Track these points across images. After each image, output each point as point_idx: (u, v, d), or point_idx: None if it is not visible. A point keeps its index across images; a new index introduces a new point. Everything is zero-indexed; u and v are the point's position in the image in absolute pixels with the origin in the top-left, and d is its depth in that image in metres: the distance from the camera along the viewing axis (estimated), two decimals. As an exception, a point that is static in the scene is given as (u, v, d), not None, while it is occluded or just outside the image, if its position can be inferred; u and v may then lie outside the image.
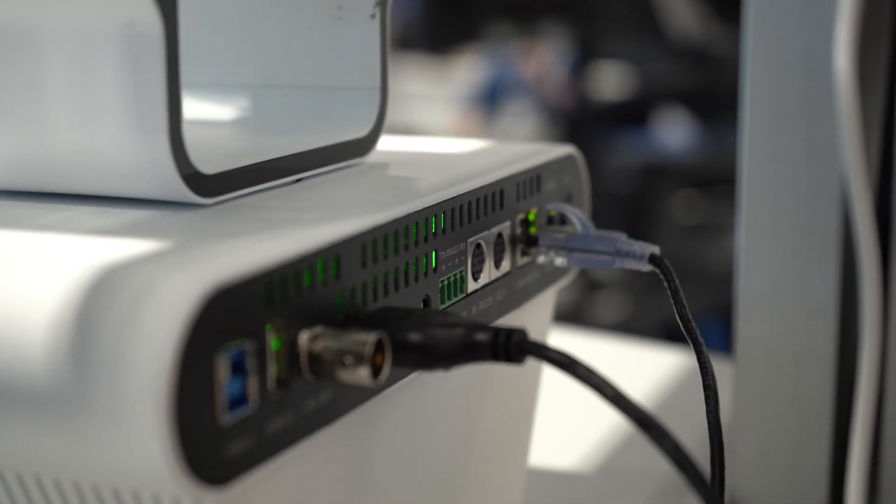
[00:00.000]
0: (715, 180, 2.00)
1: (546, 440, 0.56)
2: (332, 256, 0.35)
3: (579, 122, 2.14)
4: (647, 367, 0.72)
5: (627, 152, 2.08)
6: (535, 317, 0.51)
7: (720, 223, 2.01)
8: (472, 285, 0.44)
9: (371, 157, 0.50)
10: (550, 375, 0.53)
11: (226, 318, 0.31)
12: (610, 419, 0.67)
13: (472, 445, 0.49)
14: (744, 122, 0.34)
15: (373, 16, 0.48)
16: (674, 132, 2.35)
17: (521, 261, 0.48)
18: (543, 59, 2.33)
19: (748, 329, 0.35)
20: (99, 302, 0.31)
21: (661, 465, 0.59)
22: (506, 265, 0.47)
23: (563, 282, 0.53)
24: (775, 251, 0.34)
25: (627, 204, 1.83)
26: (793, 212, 0.34)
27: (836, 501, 0.35)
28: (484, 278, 0.45)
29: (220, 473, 0.31)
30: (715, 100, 2.26)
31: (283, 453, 0.34)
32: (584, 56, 2.17)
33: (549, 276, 0.51)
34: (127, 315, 0.30)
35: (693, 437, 0.53)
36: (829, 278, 0.33)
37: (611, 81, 2.24)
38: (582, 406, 0.66)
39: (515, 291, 0.48)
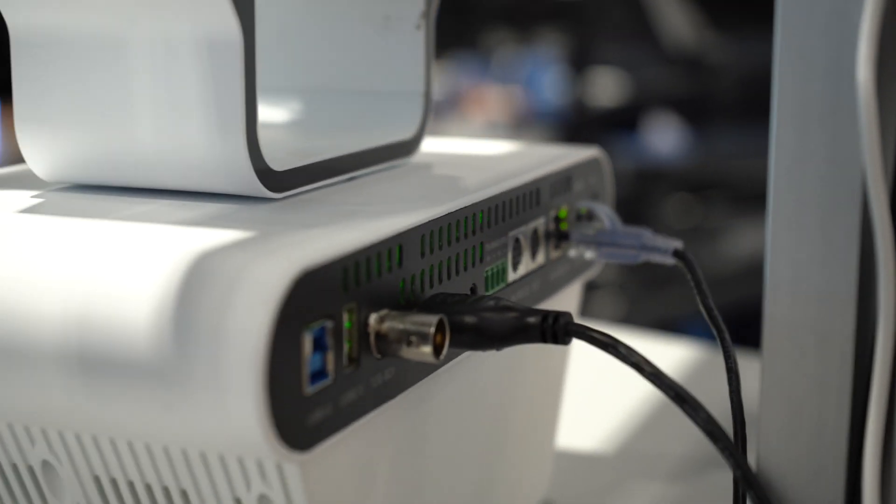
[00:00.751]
0: (707, 185, 2.02)
1: (567, 423, 0.58)
2: (396, 246, 0.37)
3: (575, 126, 2.15)
4: (654, 358, 0.75)
5: (620, 157, 2.10)
6: (565, 305, 0.53)
7: (712, 227, 2.02)
8: (511, 276, 0.46)
9: (416, 158, 0.51)
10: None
11: (310, 300, 0.33)
12: (626, 405, 0.69)
13: (510, 422, 0.51)
14: (774, 125, 0.36)
15: (418, 27, 0.50)
16: (665, 137, 2.36)
17: (554, 254, 0.50)
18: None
19: (775, 313, 0.37)
20: (198, 285, 0.33)
21: (674, 447, 0.61)
22: (540, 258, 0.48)
23: (591, 273, 0.54)
24: (800, 242, 0.36)
25: (621, 208, 1.84)
26: (816, 207, 0.35)
27: (854, 471, 0.38)
28: (522, 269, 0.46)
29: (304, 439, 0.33)
30: (707, 106, 2.27)
31: (354, 423, 0.36)
32: (580, 62, 2.18)
33: (579, 268, 0.53)
34: (224, 297, 0.32)
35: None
36: (850, 267, 0.35)
37: (606, 87, 2.25)
38: (599, 392, 0.69)
39: (549, 282, 0.49)
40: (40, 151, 0.43)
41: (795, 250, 0.36)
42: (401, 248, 0.38)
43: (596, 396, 0.69)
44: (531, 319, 0.38)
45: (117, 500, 0.38)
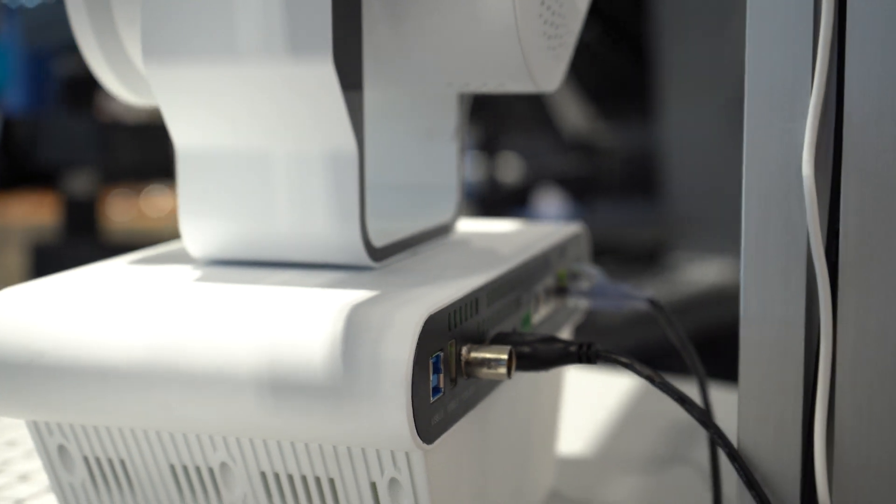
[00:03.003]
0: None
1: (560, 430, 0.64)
2: (474, 299, 0.44)
3: (487, 201, 2.20)
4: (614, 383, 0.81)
5: None
6: None
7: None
8: (534, 320, 0.52)
9: (453, 236, 0.57)
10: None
11: (431, 337, 0.40)
12: (600, 416, 0.74)
13: (534, 425, 0.56)
14: (744, 203, 0.42)
15: (452, 138, 0.57)
16: (551, 210, 2.42)
17: (558, 304, 0.56)
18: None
19: (747, 336, 0.43)
20: (356, 327, 0.39)
21: (641, 447, 0.68)
22: (550, 307, 0.55)
23: (577, 317, 0.61)
24: (765, 285, 0.42)
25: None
26: (776, 260, 0.42)
27: (807, 450, 0.43)
28: (539, 316, 0.53)
29: (429, 435, 0.40)
30: (592, 183, 2.34)
31: (455, 424, 0.43)
32: (491, 148, 2.24)
33: (571, 313, 0.59)
34: (377, 335, 0.39)
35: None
36: (799, 302, 0.42)
37: (511, 169, 2.30)
38: (579, 407, 0.73)
39: (554, 324, 0.56)
40: (198, 236, 0.48)
41: (762, 291, 0.43)
42: (477, 300, 0.45)
43: (577, 410, 0.73)
44: (572, 348, 0.46)
45: (277, 489, 0.44)
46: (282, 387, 0.40)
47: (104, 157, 1.53)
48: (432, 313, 0.40)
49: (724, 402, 0.60)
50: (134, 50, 0.51)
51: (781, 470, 0.44)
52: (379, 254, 0.48)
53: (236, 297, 0.43)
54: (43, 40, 1.62)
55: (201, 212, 0.48)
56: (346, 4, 0.44)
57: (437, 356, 0.41)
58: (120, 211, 1.78)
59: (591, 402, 0.77)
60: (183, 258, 0.51)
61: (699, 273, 2.18)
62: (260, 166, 0.47)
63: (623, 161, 2.25)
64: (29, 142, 1.60)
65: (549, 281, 0.55)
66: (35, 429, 0.47)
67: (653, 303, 0.56)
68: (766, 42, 0.43)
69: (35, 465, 0.61)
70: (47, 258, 1.65)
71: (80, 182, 1.64)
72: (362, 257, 0.47)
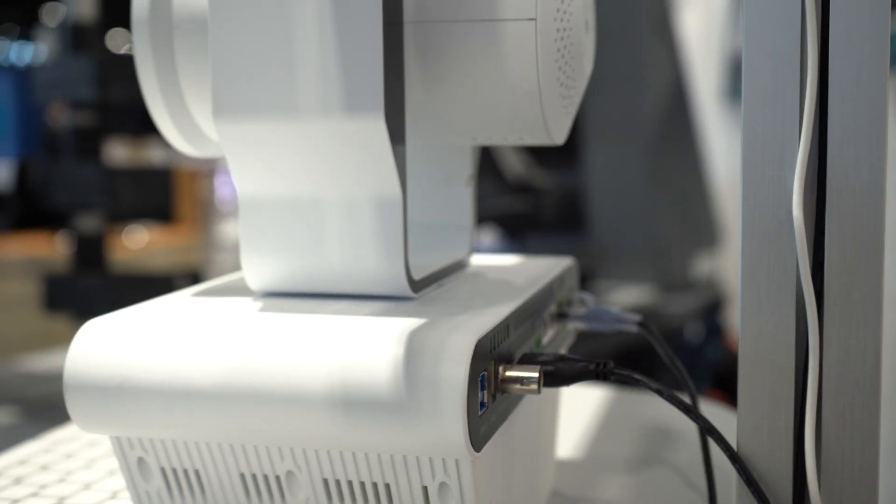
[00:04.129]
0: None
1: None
2: (506, 324, 0.45)
3: None
4: (589, 395, 0.81)
5: None
6: None
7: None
8: (543, 342, 0.53)
9: (468, 269, 0.58)
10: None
11: (479, 358, 0.40)
12: (583, 425, 0.75)
13: (542, 432, 0.57)
14: (741, 240, 0.43)
15: (467, 184, 0.57)
16: (486, 241, 2.43)
17: (559, 327, 0.57)
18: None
19: (746, 351, 0.44)
20: (416, 350, 0.40)
21: (622, 451, 0.68)
22: (554, 330, 0.55)
23: (572, 339, 0.61)
24: (759, 309, 0.43)
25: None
26: (769, 287, 0.43)
27: (798, 448, 0.44)
28: (546, 338, 0.54)
29: (478, 444, 0.40)
30: (527, 219, 2.35)
31: (494, 434, 0.43)
32: None
33: (569, 335, 0.60)
34: (435, 357, 0.39)
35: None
36: (790, 322, 0.42)
37: None
38: (565, 417, 0.75)
39: (556, 345, 0.56)
40: (258, 271, 0.48)
41: (757, 314, 0.44)
42: (508, 325, 0.45)
43: (565, 418, 0.74)
44: (591, 366, 0.46)
45: (338, 494, 0.44)
46: (351, 403, 0.40)
47: (107, 200, 1.51)
48: (480, 337, 0.41)
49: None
50: (195, 108, 0.51)
51: (776, 469, 0.45)
52: (417, 286, 0.48)
53: (305, 324, 0.43)
54: (40, 95, 1.59)
55: (261, 250, 0.48)
56: (394, 69, 0.45)
57: (483, 375, 0.41)
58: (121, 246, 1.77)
59: (574, 411, 0.78)
60: (242, 291, 0.50)
61: (620, 296, 2.20)
62: (314, 210, 0.47)
63: (555, 200, 2.27)
64: (42, 185, 1.58)
65: (552, 307, 0.56)
66: (118, 444, 0.46)
67: (643, 325, 0.57)
68: (758, 101, 0.44)
69: (95, 475, 0.59)
70: (58, 287, 1.62)
71: (88, 221, 1.62)
72: (405, 289, 0.47)
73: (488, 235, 2.50)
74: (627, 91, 2.27)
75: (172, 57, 0.50)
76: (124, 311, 0.46)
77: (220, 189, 4.50)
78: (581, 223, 2.37)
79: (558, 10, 0.47)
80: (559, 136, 0.50)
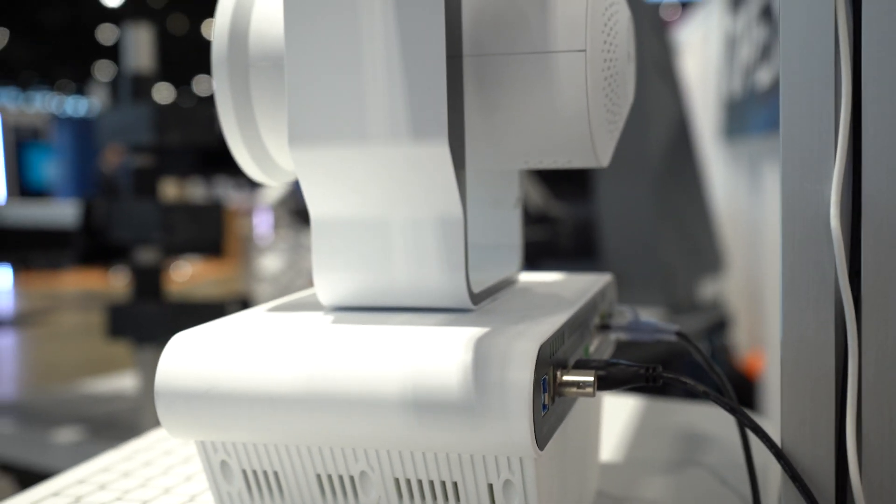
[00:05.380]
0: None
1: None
2: (561, 332, 0.44)
3: None
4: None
5: None
6: None
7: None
8: (591, 350, 0.52)
9: (518, 285, 0.57)
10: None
11: (541, 363, 0.40)
12: (621, 429, 0.74)
13: (589, 435, 0.56)
14: (782, 250, 0.42)
15: (515, 205, 0.57)
16: None
17: (602, 338, 0.56)
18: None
19: (787, 357, 0.43)
20: (484, 356, 0.39)
21: (659, 454, 0.67)
22: (598, 339, 0.55)
23: (614, 348, 0.59)
24: (801, 316, 0.42)
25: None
26: (809, 296, 0.42)
27: (841, 452, 0.43)
28: (593, 347, 0.53)
29: (541, 443, 0.39)
30: (546, 246, 2.35)
31: (553, 434, 0.42)
32: None
33: (611, 345, 0.59)
34: (503, 362, 0.39)
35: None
36: (829, 328, 0.41)
37: None
38: (606, 421, 0.73)
39: (600, 354, 0.55)
40: (329, 287, 0.48)
41: (799, 320, 0.43)
42: (563, 333, 0.45)
43: (604, 425, 0.73)
44: (642, 371, 0.45)
45: (408, 493, 0.43)
46: (423, 406, 0.40)
47: (164, 235, 1.52)
48: (541, 344, 0.40)
49: (685, 413, 0.59)
50: (268, 139, 0.51)
51: (819, 465, 0.44)
52: (476, 299, 0.48)
53: (378, 333, 0.42)
54: (100, 141, 1.61)
55: (333, 267, 0.48)
56: (455, 98, 0.44)
57: (544, 379, 0.41)
58: (169, 279, 1.77)
59: (613, 417, 0.77)
60: (314, 306, 0.50)
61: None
62: (382, 229, 0.46)
63: (570, 230, 2.27)
64: (106, 222, 1.59)
65: (596, 319, 0.55)
66: (202, 448, 0.46)
67: (680, 335, 0.56)
68: (796, 120, 0.43)
69: (173, 481, 0.59)
70: (120, 315, 1.63)
71: (146, 254, 1.63)
72: (466, 301, 0.47)
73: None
74: (635, 129, 2.27)
75: (248, 92, 0.49)
76: (208, 326, 0.46)
77: (259, 226, 4.53)
78: (594, 251, 2.37)
79: (605, 42, 0.46)
80: (605, 158, 0.50)
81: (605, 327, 0.57)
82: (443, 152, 0.43)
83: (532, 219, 2.13)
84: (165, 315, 1.58)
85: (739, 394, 2.38)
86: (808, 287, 0.43)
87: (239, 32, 0.49)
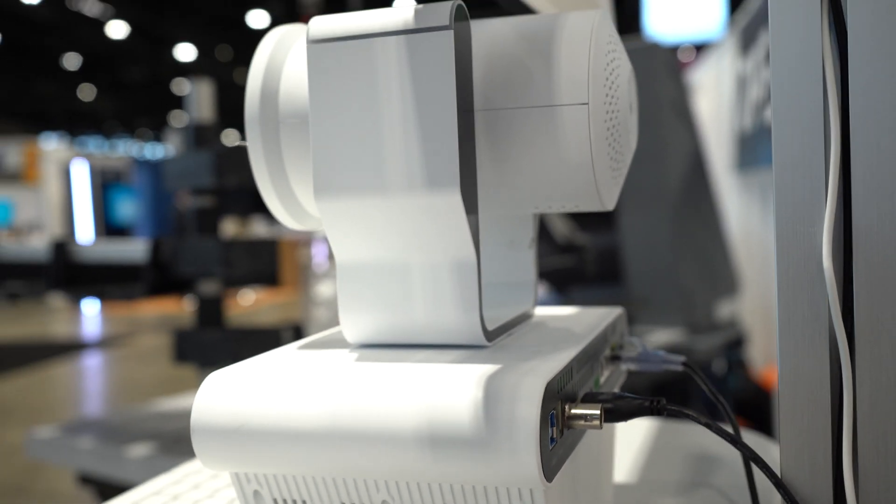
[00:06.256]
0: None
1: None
2: (570, 367, 0.42)
3: None
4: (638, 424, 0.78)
5: None
6: None
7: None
8: (601, 382, 0.50)
9: (533, 320, 0.55)
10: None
11: (548, 399, 0.38)
12: (634, 452, 0.72)
13: (602, 458, 0.54)
14: (777, 287, 0.41)
15: (529, 246, 0.56)
16: (539, 295, 2.41)
17: (613, 368, 0.54)
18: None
19: (784, 390, 0.41)
20: (494, 393, 0.38)
21: (671, 475, 0.64)
22: (609, 370, 0.53)
23: (624, 378, 0.58)
24: (797, 351, 0.40)
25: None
26: (804, 331, 0.40)
27: (838, 481, 0.41)
28: (603, 378, 0.51)
29: (549, 475, 0.38)
30: (573, 273, 2.34)
31: (563, 465, 0.41)
32: None
33: (622, 375, 0.57)
34: (511, 400, 0.37)
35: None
36: (825, 363, 0.40)
37: None
38: (620, 444, 0.71)
39: (610, 386, 0.53)
40: (354, 326, 0.46)
41: (794, 355, 0.41)
42: (572, 368, 0.43)
43: (618, 448, 0.71)
44: (647, 403, 0.43)
45: None
46: (437, 441, 0.38)
47: (224, 269, 1.53)
48: (549, 380, 0.39)
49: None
50: (298, 189, 0.50)
51: (817, 494, 0.42)
52: (491, 335, 0.46)
53: (395, 372, 0.41)
54: (170, 184, 1.63)
55: (357, 308, 0.46)
56: (467, 150, 0.43)
57: (552, 413, 0.39)
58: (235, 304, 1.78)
59: (627, 440, 0.74)
60: (341, 343, 0.49)
61: (654, 338, 2.15)
62: (401, 273, 0.45)
63: (599, 258, 2.25)
64: (173, 258, 1.60)
65: (607, 351, 0.53)
66: (236, 478, 0.44)
67: (687, 365, 0.54)
68: (788, 165, 0.41)
69: (219, 503, 0.58)
70: (185, 341, 1.64)
71: (209, 286, 1.63)
72: (480, 339, 0.45)
73: (539, 288, 2.49)
74: (654, 164, 2.25)
75: (279, 146, 0.49)
76: (241, 365, 0.45)
77: (316, 256, 4.55)
78: (618, 277, 2.34)
79: (607, 95, 0.45)
80: (610, 203, 0.48)
81: (615, 358, 0.55)
82: (455, 201, 0.42)
83: (560, 248, 2.12)
84: (227, 341, 1.58)
85: (757, 405, 2.33)
86: (803, 325, 0.41)
87: (270, 92, 0.49)
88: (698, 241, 2.34)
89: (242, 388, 0.42)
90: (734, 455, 0.68)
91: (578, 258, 2.11)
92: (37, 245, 1.81)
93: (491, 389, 0.38)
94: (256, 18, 9.68)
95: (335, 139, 0.44)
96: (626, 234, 2.34)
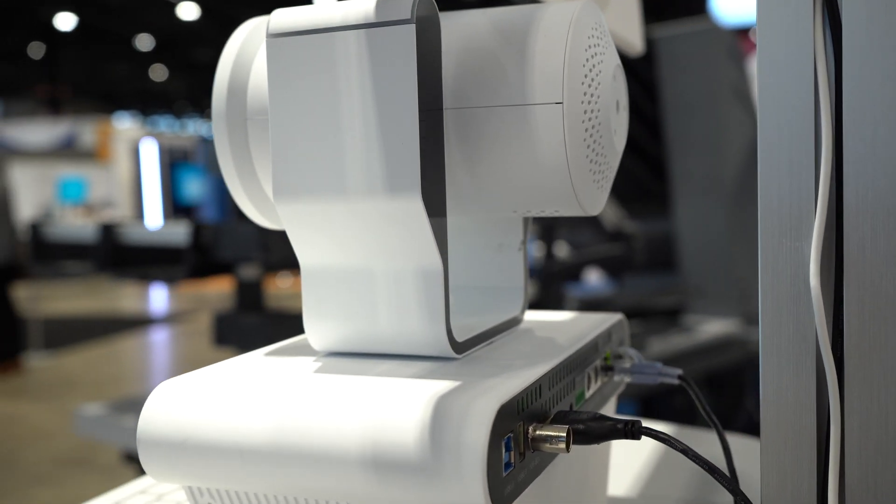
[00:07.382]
0: (625, 310, 2.04)
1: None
2: (537, 386, 0.40)
3: (546, 276, 2.16)
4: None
5: (569, 296, 2.08)
6: (608, 409, 0.54)
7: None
8: (587, 395, 0.47)
9: (522, 325, 0.52)
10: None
11: (503, 422, 0.35)
12: (635, 469, 0.70)
13: (588, 483, 0.51)
14: (761, 307, 0.38)
15: (519, 249, 0.52)
16: (594, 282, 2.37)
17: (605, 380, 0.51)
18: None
19: (767, 415, 0.38)
20: (442, 414, 0.35)
21: (672, 492, 0.61)
22: (599, 383, 0.50)
23: (621, 389, 0.55)
24: (779, 374, 0.37)
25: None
26: (789, 351, 0.37)
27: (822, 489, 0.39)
28: (591, 392, 0.48)
29: (503, 503, 0.36)
30: (624, 261, 2.29)
31: (524, 490, 0.38)
32: (548, 238, 2.20)
33: (617, 386, 0.54)
34: (459, 422, 0.35)
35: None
36: (811, 389, 0.37)
37: (562, 253, 2.26)
38: (620, 459, 0.69)
39: (602, 397, 0.51)
40: (318, 334, 0.44)
41: (778, 380, 0.38)
42: (540, 387, 0.40)
43: (615, 462, 0.69)
44: (619, 425, 0.40)
45: None
46: (382, 464, 0.36)
47: (262, 254, 1.53)
48: (503, 403, 0.36)
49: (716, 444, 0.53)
50: (267, 186, 0.48)
51: (800, 530, 0.38)
52: (461, 347, 0.44)
53: (345, 388, 0.39)
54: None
55: (320, 315, 0.44)
56: (432, 151, 0.41)
57: (509, 437, 0.37)
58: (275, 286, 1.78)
59: (626, 452, 0.71)
60: (307, 351, 0.47)
61: (707, 328, 2.10)
62: (365, 279, 0.43)
63: (648, 245, 2.20)
64: (213, 242, 1.61)
65: (598, 362, 0.50)
66: (189, 491, 0.43)
67: (682, 378, 0.51)
68: (774, 174, 0.38)
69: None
70: (225, 324, 1.65)
71: (248, 270, 1.63)
72: (447, 350, 0.43)
73: (594, 275, 2.43)
74: (711, 151, 2.19)
75: (247, 143, 0.47)
76: (193, 374, 0.43)
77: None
78: (671, 265, 2.28)
79: (585, 94, 0.42)
80: (592, 209, 0.45)
81: (609, 369, 0.52)
82: (416, 206, 0.39)
83: (609, 236, 2.07)
84: (265, 325, 1.59)
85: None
86: (788, 347, 0.38)
87: (238, 88, 0.47)
88: (754, 231, 2.26)
89: (189, 400, 0.40)
90: (742, 467, 0.64)
91: (627, 246, 2.06)
92: (85, 227, 1.84)
93: (440, 410, 0.36)
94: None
95: (295, 139, 0.41)
96: (680, 222, 2.28)
